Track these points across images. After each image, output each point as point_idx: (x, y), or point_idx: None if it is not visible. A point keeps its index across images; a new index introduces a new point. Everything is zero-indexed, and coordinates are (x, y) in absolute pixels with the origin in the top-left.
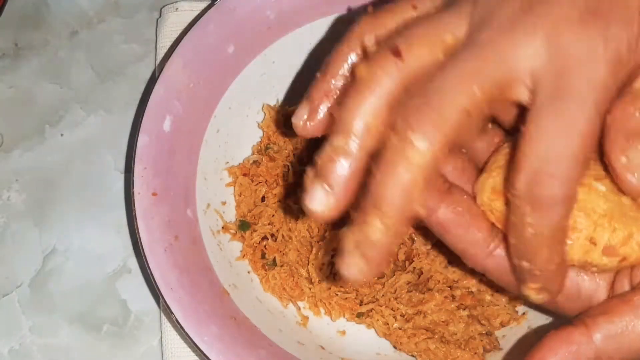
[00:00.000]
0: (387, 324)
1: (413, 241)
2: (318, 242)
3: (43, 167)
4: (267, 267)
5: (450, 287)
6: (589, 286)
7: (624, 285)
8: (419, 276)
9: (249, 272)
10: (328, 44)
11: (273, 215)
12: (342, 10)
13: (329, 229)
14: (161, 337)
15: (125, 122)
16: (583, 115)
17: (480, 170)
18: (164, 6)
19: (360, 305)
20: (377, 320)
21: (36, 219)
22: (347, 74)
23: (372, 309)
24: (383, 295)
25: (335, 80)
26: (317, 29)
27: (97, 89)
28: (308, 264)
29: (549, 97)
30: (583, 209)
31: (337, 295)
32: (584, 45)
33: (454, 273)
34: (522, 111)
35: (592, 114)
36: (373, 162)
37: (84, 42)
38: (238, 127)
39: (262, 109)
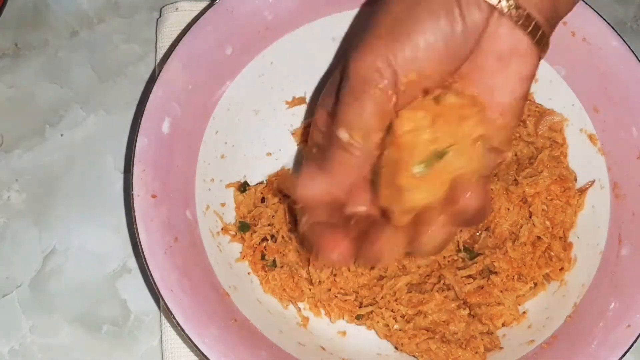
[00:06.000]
0: (388, 325)
1: None
2: None
3: (43, 167)
4: (267, 268)
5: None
6: None
7: None
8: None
9: (249, 274)
10: None
11: (273, 216)
12: (339, 11)
13: None
14: (161, 337)
15: (125, 122)
16: None
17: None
18: (164, 6)
19: (360, 307)
20: (378, 322)
21: (36, 219)
22: None
23: (372, 311)
24: (382, 298)
25: None
26: (314, 30)
27: (97, 89)
28: (308, 265)
29: None
30: None
31: (336, 297)
32: None
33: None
34: None
35: None
36: None
37: (84, 42)
38: (237, 128)
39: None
